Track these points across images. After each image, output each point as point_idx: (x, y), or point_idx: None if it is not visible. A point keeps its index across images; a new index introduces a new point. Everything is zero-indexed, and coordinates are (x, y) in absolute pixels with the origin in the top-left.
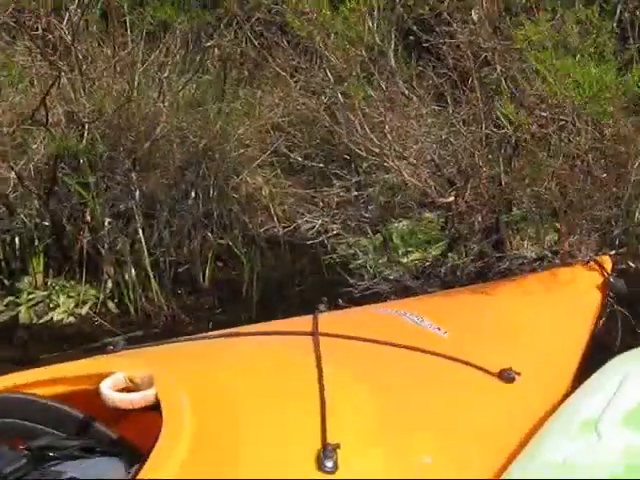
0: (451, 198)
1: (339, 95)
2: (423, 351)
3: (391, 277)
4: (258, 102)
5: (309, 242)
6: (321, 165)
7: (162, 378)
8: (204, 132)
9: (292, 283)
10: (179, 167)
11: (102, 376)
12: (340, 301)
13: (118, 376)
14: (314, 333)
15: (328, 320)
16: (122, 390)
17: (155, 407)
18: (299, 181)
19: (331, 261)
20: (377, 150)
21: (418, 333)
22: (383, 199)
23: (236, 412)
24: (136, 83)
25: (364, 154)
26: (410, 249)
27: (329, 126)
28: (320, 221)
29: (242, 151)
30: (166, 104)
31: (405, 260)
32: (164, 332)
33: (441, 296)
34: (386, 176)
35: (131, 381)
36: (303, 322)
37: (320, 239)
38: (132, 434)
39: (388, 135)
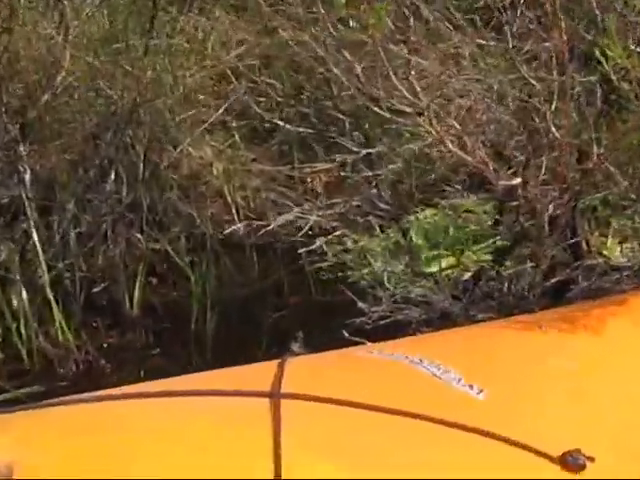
0: (517, 180)
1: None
2: (445, 423)
3: (419, 297)
4: (206, 36)
5: (289, 245)
6: (309, 130)
7: (29, 466)
8: (127, 82)
9: (264, 307)
10: (91, 135)
11: None
12: (346, 334)
13: None
14: (273, 394)
15: (301, 370)
16: None
17: None
18: (267, 154)
19: (323, 274)
20: (401, 105)
21: (439, 394)
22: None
23: None
24: (20, 5)
25: (383, 112)
26: (439, 252)
27: (321, 72)
28: (313, 217)
29: (190, 113)
30: (69, 39)
31: (434, 268)
32: (74, 385)
33: (476, 332)
34: (411, 146)
35: None
36: (265, 373)
37: (316, 244)
38: None
39: (414, 83)
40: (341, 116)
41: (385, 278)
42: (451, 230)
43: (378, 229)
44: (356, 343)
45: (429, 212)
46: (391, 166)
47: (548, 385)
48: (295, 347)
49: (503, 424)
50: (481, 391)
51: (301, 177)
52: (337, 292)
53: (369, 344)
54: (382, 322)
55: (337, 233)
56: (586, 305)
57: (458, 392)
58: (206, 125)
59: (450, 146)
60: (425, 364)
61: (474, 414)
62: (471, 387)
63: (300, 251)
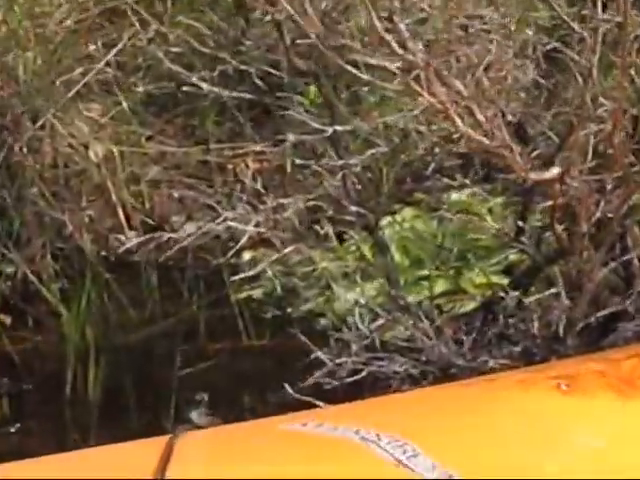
0: (556, 170)
1: None
2: None
3: (404, 341)
4: None
5: (207, 266)
6: (240, 95)
7: None
8: None
9: (171, 358)
10: None
11: None
12: (290, 391)
13: None
14: None
15: (197, 451)
16: None
17: None
18: (170, 129)
19: (260, 307)
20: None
21: None
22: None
23: None
24: None
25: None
26: (425, 273)
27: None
28: (250, 227)
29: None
30: None
31: (420, 296)
32: None
33: (466, 391)
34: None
35: None
36: (148, 454)
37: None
38: None
39: (399, 25)
40: (282, 76)
41: (356, 313)
42: (441, 238)
43: (335, 240)
44: (311, 406)
45: (408, 213)
46: (371, 151)
47: (564, 473)
48: (195, 416)
49: None
50: None
51: (220, 163)
52: (282, 334)
53: (315, 410)
54: (350, 379)
55: (288, 249)
56: (633, 350)
57: None
58: (79, 87)
59: (459, 123)
60: (384, 443)
61: None
62: (450, 478)
63: (233, 277)
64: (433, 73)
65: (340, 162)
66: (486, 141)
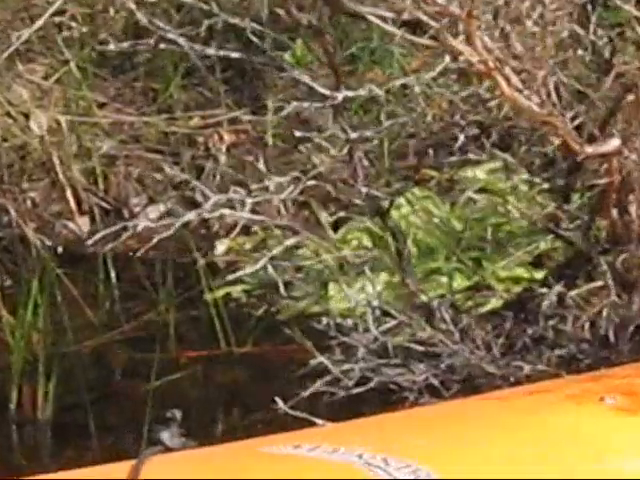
0: (615, 142)
1: None
2: None
3: (420, 344)
4: None
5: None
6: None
7: None
8: None
9: (136, 368)
10: None
11: None
12: (282, 406)
13: None
14: None
15: (170, 477)
16: None
17: None
18: (126, 94)
19: (242, 306)
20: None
21: None
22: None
23: None
24: None
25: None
26: (437, 265)
27: None
28: (242, 211)
29: None
30: None
31: (437, 291)
32: None
33: (490, 404)
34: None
35: None
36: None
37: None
38: None
39: None
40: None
41: (364, 312)
42: (457, 223)
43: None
44: (306, 424)
45: (417, 191)
46: (391, 121)
47: None
48: (166, 437)
49: None
50: None
51: (188, 135)
52: (267, 340)
53: (311, 429)
54: (357, 390)
55: (292, 241)
56: None
57: None
58: (18, 44)
59: (504, 86)
60: (392, 468)
61: None
62: None
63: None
64: (475, 25)
65: (354, 134)
66: (536, 108)
